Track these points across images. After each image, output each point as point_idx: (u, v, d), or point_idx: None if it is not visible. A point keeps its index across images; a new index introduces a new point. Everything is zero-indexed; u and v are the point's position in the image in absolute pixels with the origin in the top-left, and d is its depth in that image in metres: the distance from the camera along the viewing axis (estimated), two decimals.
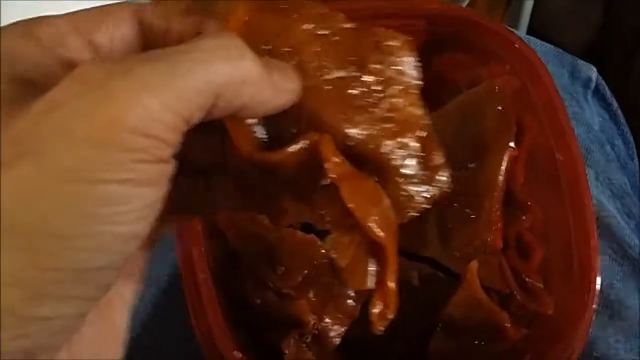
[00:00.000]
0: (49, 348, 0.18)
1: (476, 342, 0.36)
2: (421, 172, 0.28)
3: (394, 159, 0.26)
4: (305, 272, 0.36)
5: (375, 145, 0.26)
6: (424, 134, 0.27)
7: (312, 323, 0.36)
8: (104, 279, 0.18)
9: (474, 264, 0.36)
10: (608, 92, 0.50)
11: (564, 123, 0.36)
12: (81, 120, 0.16)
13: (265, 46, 0.26)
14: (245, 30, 0.25)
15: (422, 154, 0.27)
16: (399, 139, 0.27)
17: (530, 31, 0.96)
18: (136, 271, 0.23)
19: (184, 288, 0.34)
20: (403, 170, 0.27)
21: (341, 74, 0.26)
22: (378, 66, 0.27)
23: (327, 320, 0.36)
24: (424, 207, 0.27)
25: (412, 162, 0.27)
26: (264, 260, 0.35)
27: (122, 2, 0.23)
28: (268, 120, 0.24)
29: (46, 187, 0.16)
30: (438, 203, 0.37)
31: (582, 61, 0.49)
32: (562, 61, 0.48)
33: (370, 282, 0.25)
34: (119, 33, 0.22)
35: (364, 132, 0.26)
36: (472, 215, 0.37)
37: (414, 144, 0.27)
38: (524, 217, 0.38)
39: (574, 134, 0.36)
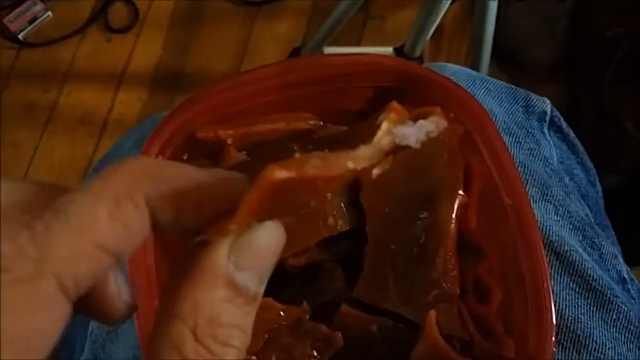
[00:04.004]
0: None
1: None
2: None
3: None
4: (267, 336, 0.36)
5: None
6: None
7: None
8: None
9: (432, 314, 0.36)
10: (564, 123, 0.50)
11: (508, 167, 0.37)
12: None
13: None
14: None
15: None
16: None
17: (495, 52, 0.97)
18: None
19: None
20: None
21: None
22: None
23: None
24: None
25: None
26: None
27: None
28: None
29: None
30: (395, 255, 0.38)
31: (535, 95, 0.50)
32: (516, 97, 0.49)
33: None
34: None
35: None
36: (428, 264, 0.37)
37: None
38: (479, 261, 0.38)
39: (519, 176, 0.37)
